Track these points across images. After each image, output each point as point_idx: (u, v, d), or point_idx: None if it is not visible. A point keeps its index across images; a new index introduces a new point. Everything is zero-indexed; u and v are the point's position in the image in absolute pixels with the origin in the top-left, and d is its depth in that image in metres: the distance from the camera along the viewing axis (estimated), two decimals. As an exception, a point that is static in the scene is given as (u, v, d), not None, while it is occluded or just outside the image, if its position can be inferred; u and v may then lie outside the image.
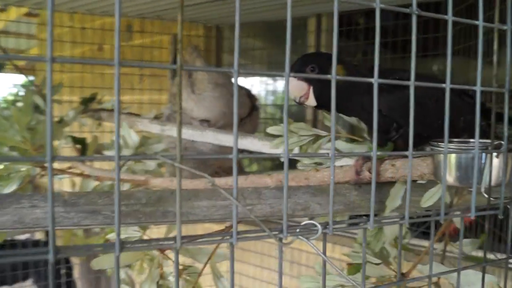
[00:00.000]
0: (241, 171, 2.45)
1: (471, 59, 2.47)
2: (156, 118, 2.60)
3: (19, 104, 1.84)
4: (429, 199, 0.95)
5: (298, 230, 0.56)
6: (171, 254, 1.13)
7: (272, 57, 3.51)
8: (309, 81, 0.94)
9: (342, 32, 2.97)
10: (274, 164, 3.47)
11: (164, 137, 2.11)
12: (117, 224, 0.45)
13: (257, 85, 3.58)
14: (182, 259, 1.17)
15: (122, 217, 0.89)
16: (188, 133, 2.13)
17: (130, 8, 2.94)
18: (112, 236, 1.20)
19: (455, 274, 0.80)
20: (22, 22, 3.82)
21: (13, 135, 1.45)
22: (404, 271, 1.12)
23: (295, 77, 0.93)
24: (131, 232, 1.17)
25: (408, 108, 0.91)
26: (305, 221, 0.56)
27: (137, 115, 2.70)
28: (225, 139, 2.03)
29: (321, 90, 0.95)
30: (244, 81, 3.46)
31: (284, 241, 0.54)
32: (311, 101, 0.96)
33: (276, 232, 0.54)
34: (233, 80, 2.16)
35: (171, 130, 2.27)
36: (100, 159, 0.65)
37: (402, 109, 0.92)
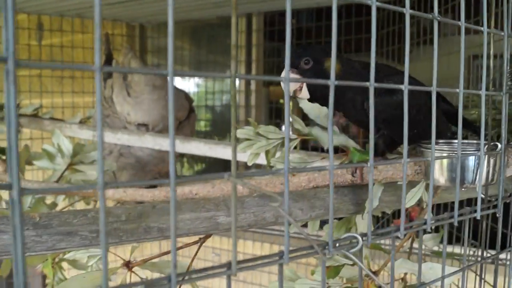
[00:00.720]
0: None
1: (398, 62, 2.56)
2: (81, 122, 2.45)
3: None
4: (411, 199, 0.96)
5: (338, 244, 0.52)
6: (139, 271, 1.06)
7: (199, 57, 3.46)
8: (303, 73, 0.91)
9: (274, 32, 2.98)
10: (208, 166, 3.42)
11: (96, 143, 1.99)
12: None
13: (191, 86, 3.50)
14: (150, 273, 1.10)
15: (101, 236, 0.81)
16: (124, 138, 2.03)
17: (46, 5, 2.77)
18: (71, 255, 1.10)
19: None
20: None
21: None
22: (373, 269, 1.13)
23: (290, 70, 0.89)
24: (92, 250, 1.08)
25: (390, 114, 0.93)
26: (347, 234, 0.52)
27: (61, 120, 2.54)
28: (165, 143, 1.95)
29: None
30: (180, 82, 3.38)
31: (328, 256, 0.50)
32: (304, 94, 0.92)
33: (321, 249, 0.50)
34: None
35: (104, 136, 2.15)
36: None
37: (385, 113, 0.92)
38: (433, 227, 0.69)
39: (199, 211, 0.88)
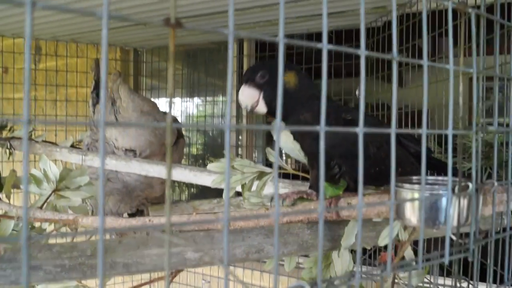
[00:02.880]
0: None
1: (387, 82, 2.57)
2: (73, 146, 2.46)
3: None
4: (386, 237, 0.95)
5: (286, 293, 0.52)
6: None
7: (191, 80, 3.48)
8: (259, 87, 0.92)
9: (265, 58, 2.99)
10: (200, 190, 3.41)
11: (86, 168, 1.99)
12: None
13: (184, 109, 3.51)
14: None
15: (66, 271, 0.81)
16: (112, 164, 2.03)
17: (42, 30, 2.79)
18: (42, 287, 1.09)
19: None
20: None
21: None
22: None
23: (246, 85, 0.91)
24: (66, 282, 1.08)
25: (348, 150, 0.93)
26: (294, 283, 0.52)
27: (53, 143, 2.55)
28: (152, 169, 1.95)
29: (271, 96, 0.93)
30: (162, 104, 3.39)
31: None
32: (261, 108, 0.94)
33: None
34: (158, 107, 2.08)
35: (93, 160, 2.16)
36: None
37: (341, 148, 0.91)
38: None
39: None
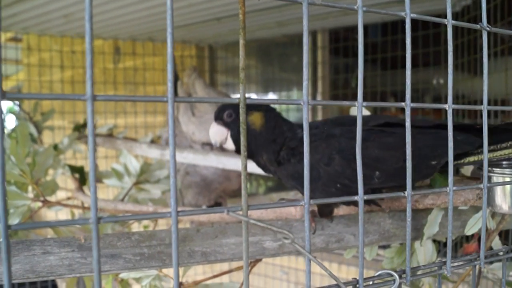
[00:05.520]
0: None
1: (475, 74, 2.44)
2: (153, 142, 2.52)
3: (13, 134, 1.75)
4: (473, 226, 0.89)
5: (371, 282, 0.48)
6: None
7: (265, 76, 3.46)
8: (227, 125, 0.95)
9: (339, 48, 2.93)
10: (278, 182, 3.40)
11: (165, 162, 2.03)
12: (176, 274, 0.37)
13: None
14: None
15: (145, 259, 0.81)
16: (190, 157, 2.05)
17: (120, 30, 2.88)
18: (125, 275, 1.11)
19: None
20: (8, 47, 3.73)
21: (11, 169, 1.36)
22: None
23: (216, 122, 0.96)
24: (146, 271, 1.09)
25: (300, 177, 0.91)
26: (380, 271, 0.48)
27: (134, 139, 2.62)
28: (229, 162, 1.95)
29: (237, 135, 0.95)
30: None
31: (358, 295, 0.46)
32: (230, 145, 0.96)
33: (351, 287, 0.46)
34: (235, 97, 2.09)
35: (171, 155, 2.19)
36: (156, 217, 0.55)
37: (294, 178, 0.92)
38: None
39: (245, 235, 0.86)
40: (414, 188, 0.89)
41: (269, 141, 0.93)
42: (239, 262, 0.99)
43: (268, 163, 0.96)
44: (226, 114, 0.96)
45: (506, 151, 0.83)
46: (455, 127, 0.86)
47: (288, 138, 0.94)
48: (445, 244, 2.23)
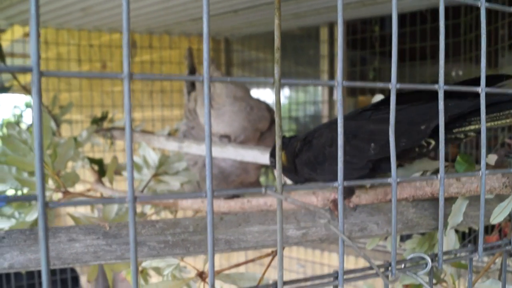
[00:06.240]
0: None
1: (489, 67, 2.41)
2: (170, 135, 2.53)
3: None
4: (499, 214, 0.87)
5: (403, 265, 0.48)
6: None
7: (284, 69, 3.45)
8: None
9: (357, 40, 2.90)
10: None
11: (183, 155, 2.03)
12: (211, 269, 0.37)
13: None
14: (220, 284, 1.10)
15: (169, 247, 0.81)
16: (208, 150, 2.05)
17: (137, 23, 2.89)
18: (147, 264, 1.12)
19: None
20: (26, 42, 3.76)
21: (33, 160, 1.37)
22: (460, 290, 1.05)
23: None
24: (168, 259, 1.09)
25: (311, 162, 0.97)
26: (412, 254, 0.48)
27: (151, 132, 2.64)
28: (247, 154, 1.95)
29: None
30: (265, 94, 3.39)
31: (391, 279, 0.46)
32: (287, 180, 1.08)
33: (383, 270, 0.46)
34: (251, 93, 2.08)
35: (189, 147, 2.20)
36: (191, 197, 0.55)
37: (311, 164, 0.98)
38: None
39: (268, 223, 0.86)
40: (406, 157, 0.93)
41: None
42: (255, 252, 1.00)
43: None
44: (271, 162, 1.12)
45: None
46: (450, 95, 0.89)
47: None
48: (465, 236, 2.20)
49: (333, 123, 0.96)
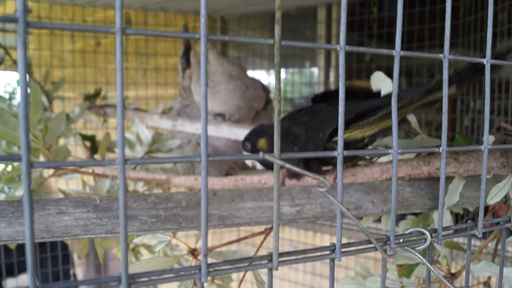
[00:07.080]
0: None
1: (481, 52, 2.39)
2: (164, 113, 2.51)
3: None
4: (496, 195, 0.86)
5: (402, 240, 0.46)
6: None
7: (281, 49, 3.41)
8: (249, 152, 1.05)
9: (354, 22, 2.87)
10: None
11: (177, 133, 2.01)
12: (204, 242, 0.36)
13: (271, 78, 3.48)
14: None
15: (161, 222, 0.79)
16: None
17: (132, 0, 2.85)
18: (138, 240, 1.11)
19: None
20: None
21: (24, 134, 1.35)
22: (453, 271, 1.04)
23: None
24: (159, 236, 1.08)
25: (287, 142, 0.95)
26: (411, 229, 0.46)
27: (144, 110, 2.61)
28: (242, 133, 1.93)
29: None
30: (260, 75, 3.36)
31: (388, 253, 0.44)
32: (258, 165, 1.06)
33: (381, 244, 0.44)
34: (247, 72, 2.05)
35: (184, 125, 2.18)
36: (184, 161, 0.54)
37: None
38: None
39: (262, 200, 0.84)
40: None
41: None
42: (246, 233, 0.99)
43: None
44: (245, 146, 1.07)
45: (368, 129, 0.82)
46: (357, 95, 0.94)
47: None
48: (458, 219, 2.21)
49: (294, 113, 0.99)
